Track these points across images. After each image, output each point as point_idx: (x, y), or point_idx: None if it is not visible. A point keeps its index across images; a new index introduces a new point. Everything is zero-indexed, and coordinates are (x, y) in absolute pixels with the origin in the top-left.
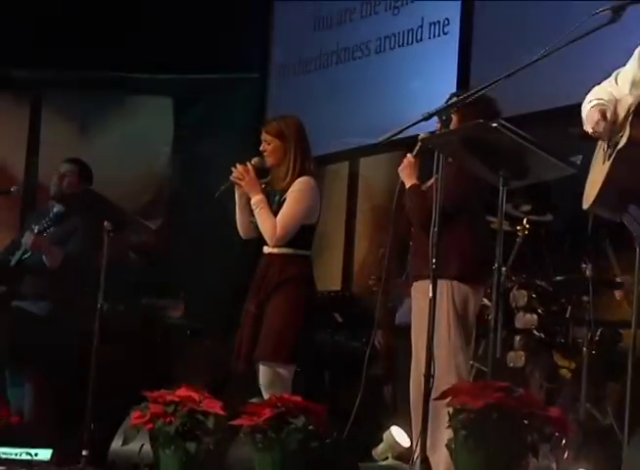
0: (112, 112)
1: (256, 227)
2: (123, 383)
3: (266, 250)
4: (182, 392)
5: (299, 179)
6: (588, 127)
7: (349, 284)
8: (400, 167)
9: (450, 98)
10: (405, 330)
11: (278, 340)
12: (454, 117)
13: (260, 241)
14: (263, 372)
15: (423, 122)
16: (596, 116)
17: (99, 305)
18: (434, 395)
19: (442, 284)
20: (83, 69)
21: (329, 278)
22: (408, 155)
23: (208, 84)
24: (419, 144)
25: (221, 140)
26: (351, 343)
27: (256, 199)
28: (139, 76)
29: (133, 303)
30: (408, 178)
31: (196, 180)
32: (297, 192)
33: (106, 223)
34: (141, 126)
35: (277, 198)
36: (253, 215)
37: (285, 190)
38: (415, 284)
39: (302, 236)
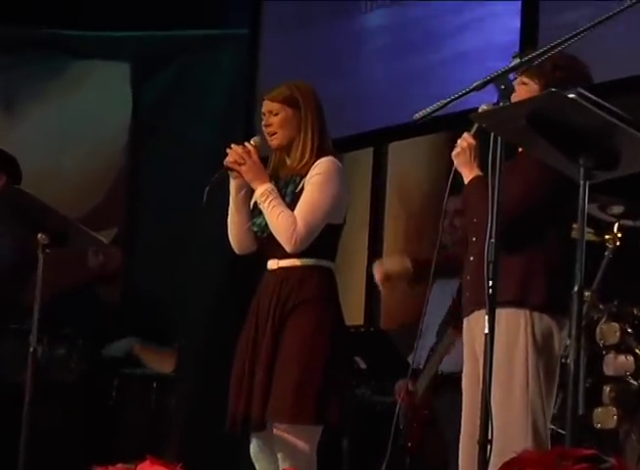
0: (48, 82)
1: (260, 233)
2: (65, 453)
3: (273, 265)
4: (146, 466)
5: (322, 159)
6: None
7: (375, 317)
8: (454, 152)
9: (512, 60)
10: (453, 380)
11: (300, 391)
12: (521, 87)
13: (256, 257)
14: (280, 438)
15: (475, 94)
16: None
17: (32, 349)
18: (495, 467)
19: (519, 316)
20: (6, 24)
21: (347, 308)
22: (465, 134)
23: (180, 44)
24: None
25: (197, 118)
26: (378, 397)
27: (264, 188)
28: (85, 34)
29: (79, 345)
30: (467, 167)
31: (163, 173)
32: (323, 175)
33: (40, 235)
34: (88, 101)
35: (290, 188)
36: (255, 216)
37: (302, 175)
38: (476, 314)
39: (327, 240)
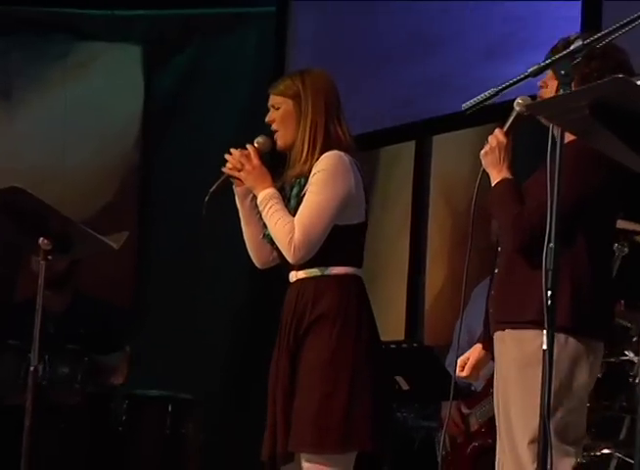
0: (50, 67)
1: (272, 244)
2: None
3: (292, 277)
4: None
5: (325, 154)
6: None
7: (418, 331)
8: (483, 151)
9: (571, 42)
10: None
11: (320, 417)
12: (553, 82)
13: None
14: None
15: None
16: None
17: (32, 368)
18: None
19: (542, 338)
20: (2, 3)
21: (386, 322)
22: (496, 131)
23: (197, 24)
24: (514, 112)
25: (217, 108)
26: (422, 422)
27: (265, 194)
28: (91, 13)
29: (85, 363)
30: (495, 168)
31: (179, 170)
32: (323, 172)
33: (41, 240)
34: (95, 89)
35: (295, 190)
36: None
37: (306, 175)
38: (499, 334)
39: (342, 244)
